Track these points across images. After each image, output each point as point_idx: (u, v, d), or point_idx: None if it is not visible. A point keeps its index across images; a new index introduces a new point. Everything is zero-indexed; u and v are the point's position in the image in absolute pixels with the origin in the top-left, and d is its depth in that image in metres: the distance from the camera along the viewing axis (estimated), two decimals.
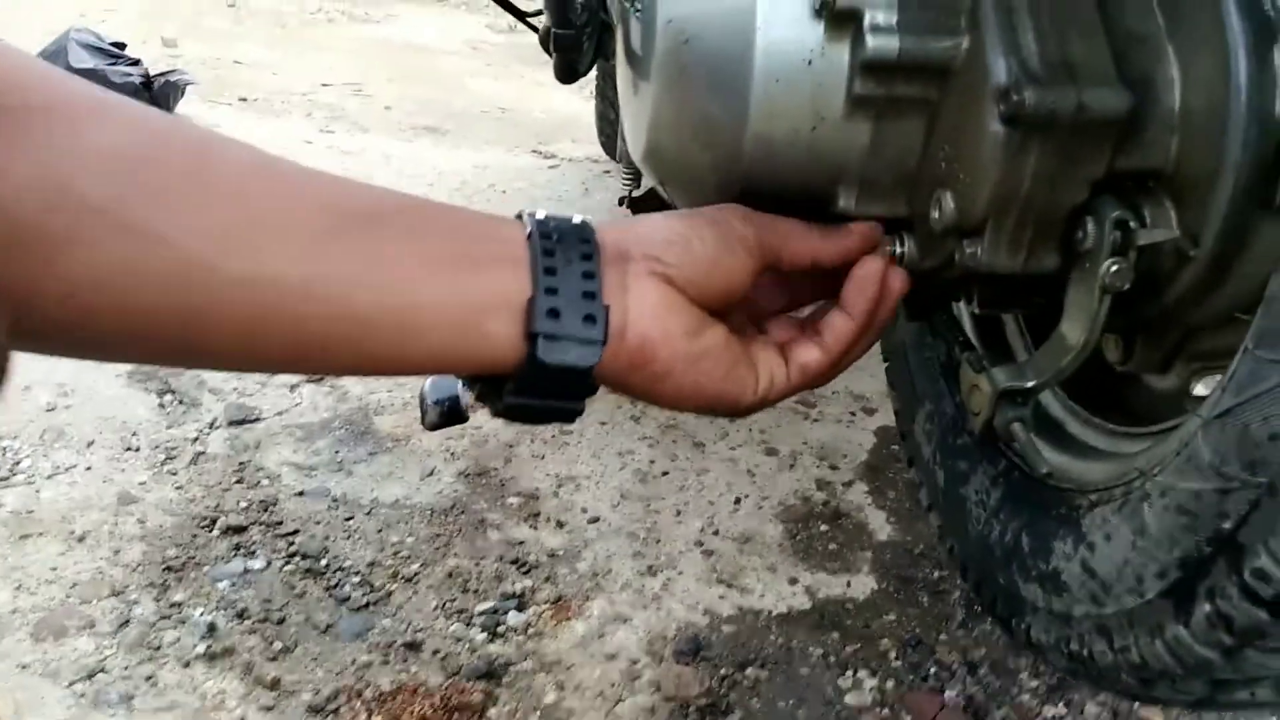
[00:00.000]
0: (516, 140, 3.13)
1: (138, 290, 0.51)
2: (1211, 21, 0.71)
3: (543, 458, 1.51)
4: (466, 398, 1.44)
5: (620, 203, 1.45)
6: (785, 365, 0.72)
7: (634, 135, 0.93)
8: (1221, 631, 0.65)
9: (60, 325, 0.50)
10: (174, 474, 1.46)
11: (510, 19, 1.78)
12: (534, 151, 3.00)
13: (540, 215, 0.65)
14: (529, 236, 0.63)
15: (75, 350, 0.56)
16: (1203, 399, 0.73)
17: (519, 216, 0.65)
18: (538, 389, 0.61)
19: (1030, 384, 0.82)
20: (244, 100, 3.35)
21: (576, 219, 0.65)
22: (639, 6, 0.85)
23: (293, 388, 1.66)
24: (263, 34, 4.70)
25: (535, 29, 1.22)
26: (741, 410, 0.71)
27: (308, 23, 5.14)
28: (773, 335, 0.75)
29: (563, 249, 0.62)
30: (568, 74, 0.98)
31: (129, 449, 1.50)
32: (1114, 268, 0.73)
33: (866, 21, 0.76)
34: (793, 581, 1.33)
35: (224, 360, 0.61)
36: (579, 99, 3.47)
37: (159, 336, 0.53)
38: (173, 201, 0.51)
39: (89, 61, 2.62)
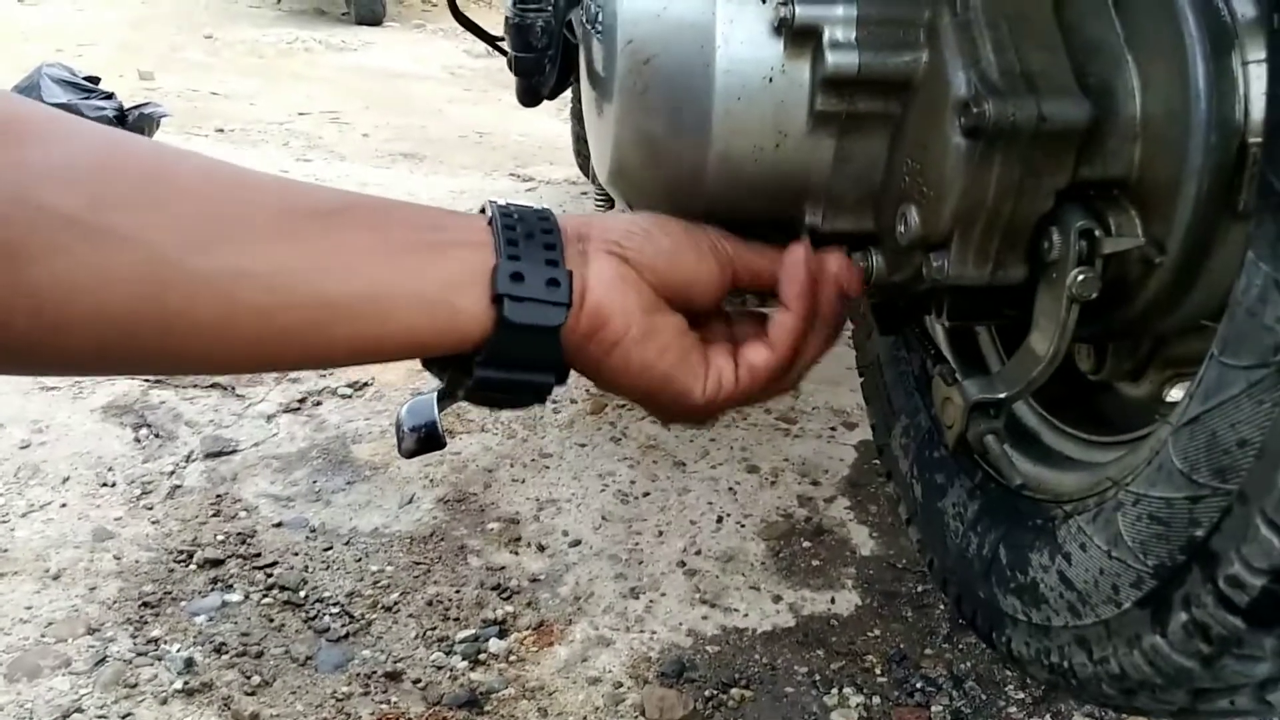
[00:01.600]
0: (494, 164, 3.13)
1: (107, 294, 0.51)
2: (1170, 30, 0.71)
3: (523, 481, 1.50)
4: (443, 423, 1.43)
5: None
6: (735, 366, 0.71)
7: (599, 156, 0.92)
8: (1198, 640, 0.64)
9: (32, 340, 0.50)
10: (150, 508, 1.44)
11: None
12: (512, 175, 3.00)
13: (501, 203, 0.65)
14: (490, 221, 0.64)
15: (50, 366, 0.56)
16: (1175, 406, 0.72)
17: (482, 210, 0.66)
18: (507, 358, 0.61)
19: (1002, 395, 0.81)
20: (221, 131, 3.34)
21: (536, 207, 0.66)
22: (600, 28, 0.85)
23: (269, 418, 1.65)
24: (240, 65, 4.70)
25: (505, 53, 1.21)
26: (690, 405, 0.70)
27: (284, 53, 5.14)
28: (735, 340, 0.75)
29: (524, 226, 0.64)
30: (530, 97, 0.98)
31: (104, 484, 1.48)
32: (1081, 277, 0.73)
33: (826, 38, 0.76)
34: (776, 599, 1.33)
35: (197, 362, 0.60)
36: (556, 122, 3.48)
37: (131, 341, 0.53)
38: (135, 205, 0.52)
39: (61, 96, 2.61)
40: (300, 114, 3.70)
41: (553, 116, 3.55)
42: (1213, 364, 0.62)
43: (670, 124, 0.82)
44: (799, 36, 0.77)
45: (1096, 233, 0.73)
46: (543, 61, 0.91)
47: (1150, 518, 0.67)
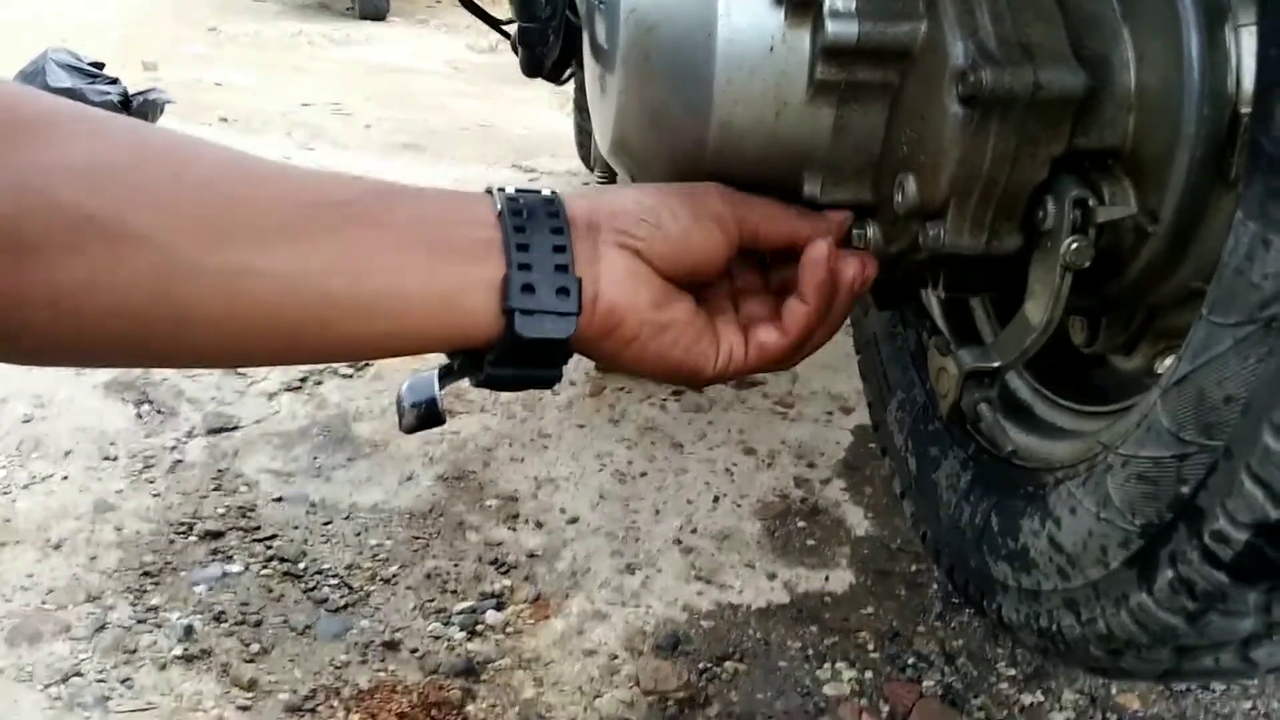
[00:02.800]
0: (496, 156, 3.14)
1: (124, 292, 0.52)
2: (1164, 2, 0.73)
3: (522, 460, 1.51)
4: (443, 400, 1.44)
5: None
6: (745, 344, 0.73)
7: (602, 128, 0.94)
8: (1184, 596, 0.65)
9: (49, 335, 0.52)
10: (152, 482, 1.45)
11: (490, 39, 1.80)
12: (514, 166, 3.01)
13: (510, 191, 0.65)
14: (499, 215, 0.64)
15: (64, 359, 0.57)
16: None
17: (488, 192, 0.66)
18: (516, 360, 0.63)
19: (996, 364, 0.83)
20: (224, 120, 3.36)
21: (546, 192, 0.66)
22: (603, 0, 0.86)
23: (271, 396, 1.66)
24: (243, 57, 4.71)
25: (510, 37, 1.23)
26: (701, 381, 0.72)
27: (288, 46, 5.16)
28: (743, 313, 0.76)
29: (533, 224, 0.64)
30: (534, 67, 0.99)
31: (106, 458, 1.50)
32: (1074, 245, 0.74)
33: (826, 7, 0.77)
34: (771, 577, 1.34)
35: (210, 357, 0.62)
36: (559, 115, 3.49)
37: (146, 337, 0.55)
38: (151, 204, 0.53)
39: (67, 81, 2.62)
40: (303, 105, 3.72)
41: (555, 110, 3.56)
42: (1201, 323, 0.63)
43: (672, 93, 0.83)
44: (799, 6, 0.78)
45: (1090, 202, 0.75)
46: (546, 32, 0.93)
47: (1139, 478, 0.68)
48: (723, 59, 0.80)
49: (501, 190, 0.66)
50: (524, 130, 3.58)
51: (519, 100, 3.93)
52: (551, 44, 0.92)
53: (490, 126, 3.59)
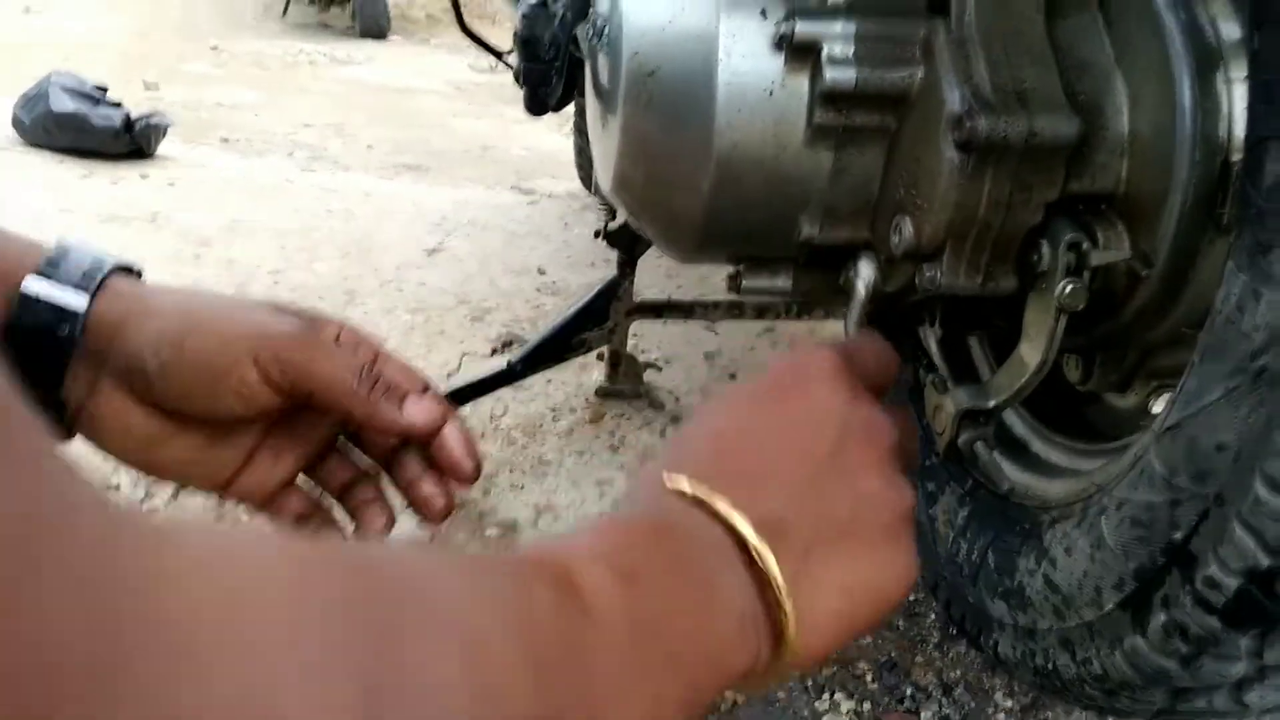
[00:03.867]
0: (497, 177, 3.16)
1: None
2: (1158, 49, 0.74)
3: (522, 488, 1.51)
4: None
5: (596, 235, 1.47)
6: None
7: (603, 167, 0.95)
8: (1177, 640, 0.66)
9: None
10: None
11: (491, 59, 1.81)
12: (514, 188, 3.02)
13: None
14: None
15: None
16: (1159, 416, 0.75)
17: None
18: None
19: (991, 404, 0.84)
20: (225, 140, 3.37)
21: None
22: (606, 42, 0.88)
23: None
24: (244, 77, 4.74)
25: (511, 66, 1.24)
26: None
27: (289, 65, 5.18)
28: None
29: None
30: (537, 106, 1.01)
31: None
32: (1069, 288, 0.75)
33: (825, 54, 0.79)
34: None
35: None
36: (558, 136, 3.50)
37: None
38: None
39: (70, 105, 2.64)
40: (305, 125, 3.73)
41: (554, 131, 3.58)
42: (1194, 371, 0.64)
43: (673, 135, 0.85)
44: (799, 52, 0.79)
45: (1085, 245, 0.76)
46: (549, 73, 0.94)
47: (1132, 521, 0.69)
48: (723, 102, 0.81)
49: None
50: (524, 151, 3.59)
51: (519, 121, 3.94)
52: (554, 84, 0.94)
53: (491, 148, 3.61)
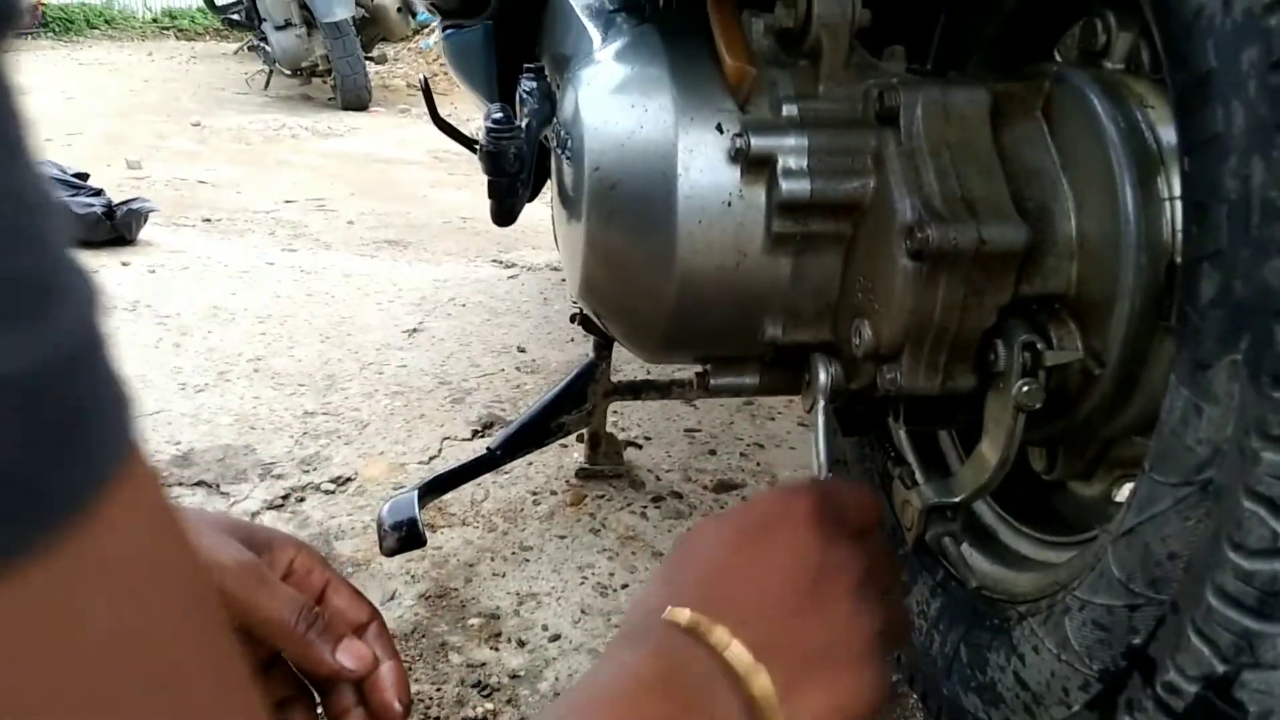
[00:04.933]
0: (478, 250, 3.18)
1: None
2: (1100, 156, 0.76)
3: (504, 575, 1.51)
4: (423, 519, 1.44)
5: (572, 320, 1.49)
6: None
7: (570, 269, 0.97)
8: None
9: None
10: None
11: (470, 129, 1.83)
12: (494, 261, 3.05)
13: None
14: None
15: None
16: (1120, 508, 0.76)
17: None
18: None
19: (956, 499, 0.85)
20: (208, 221, 3.39)
21: None
22: (569, 153, 0.90)
23: (253, 515, 1.67)
24: (226, 152, 4.78)
25: (476, 151, 1.25)
26: None
27: (271, 139, 5.23)
28: None
29: None
30: (503, 218, 1.03)
31: None
32: (1025, 388, 0.77)
33: (779, 166, 0.81)
34: None
35: None
36: (538, 206, 3.53)
37: None
38: None
39: None
40: (286, 201, 3.76)
41: (535, 202, 3.60)
42: (1145, 479, 0.66)
43: (636, 245, 0.87)
44: (754, 165, 0.82)
45: (1039, 345, 0.78)
46: (515, 185, 0.96)
47: (1094, 624, 0.70)
48: (683, 214, 0.83)
49: None
50: None
51: None
52: (520, 196, 0.96)
53: (471, 219, 3.64)
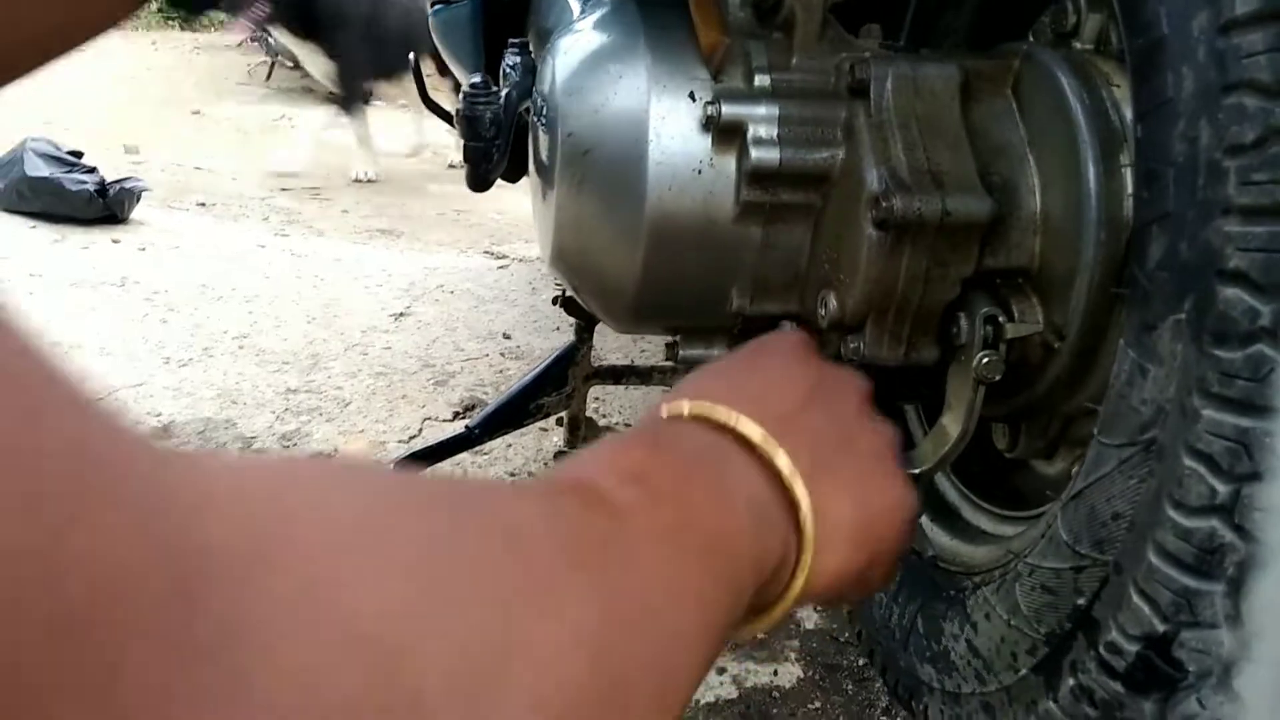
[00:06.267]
0: (470, 241, 3.19)
1: None
2: (1066, 133, 0.77)
3: None
4: None
5: (554, 302, 1.50)
6: None
7: (543, 239, 0.98)
8: (1085, 704, 0.68)
9: None
10: None
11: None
12: (486, 252, 3.06)
13: None
14: None
15: None
16: None
17: None
18: None
19: (915, 471, 0.86)
20: (202, 205, 3.40)
21: None
22: (544, 120, 0.91)
23: None
24: (224, 140, 4.79)
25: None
26: None
27: (270, 129, 5.24)
28: None
29: None
30: (478, 183, 1.03)
31: None
32: (986, 360, 0.78)
33: (750, 134, 0.82)
34: (720, 671, 1.35)
35: None
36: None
37: None
38: None
39: (44, 170, 2.67)
40: (282, 190, 3.77)
41: (528, 194, 3.62)
42: (1094, 443, 0.67)
43: (606, 211, 0.88)
44: (725, 133, 0.83)
45: (1000, 318, 0.79)
46: (490, 150, 0.97)
47: (1042, 587, 0.71)
48: (653, 180, 0.84)
49: None
50: (498, 215, 3.64)
51: (495, 184, 3.99)
52: (496, 161, 0.97)
53: (465, 211, 3.65)
